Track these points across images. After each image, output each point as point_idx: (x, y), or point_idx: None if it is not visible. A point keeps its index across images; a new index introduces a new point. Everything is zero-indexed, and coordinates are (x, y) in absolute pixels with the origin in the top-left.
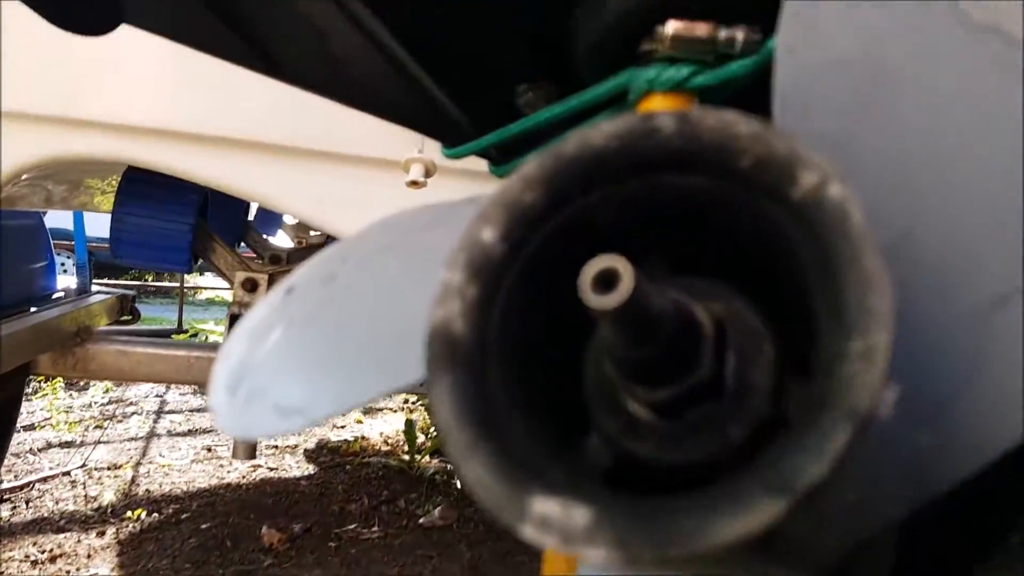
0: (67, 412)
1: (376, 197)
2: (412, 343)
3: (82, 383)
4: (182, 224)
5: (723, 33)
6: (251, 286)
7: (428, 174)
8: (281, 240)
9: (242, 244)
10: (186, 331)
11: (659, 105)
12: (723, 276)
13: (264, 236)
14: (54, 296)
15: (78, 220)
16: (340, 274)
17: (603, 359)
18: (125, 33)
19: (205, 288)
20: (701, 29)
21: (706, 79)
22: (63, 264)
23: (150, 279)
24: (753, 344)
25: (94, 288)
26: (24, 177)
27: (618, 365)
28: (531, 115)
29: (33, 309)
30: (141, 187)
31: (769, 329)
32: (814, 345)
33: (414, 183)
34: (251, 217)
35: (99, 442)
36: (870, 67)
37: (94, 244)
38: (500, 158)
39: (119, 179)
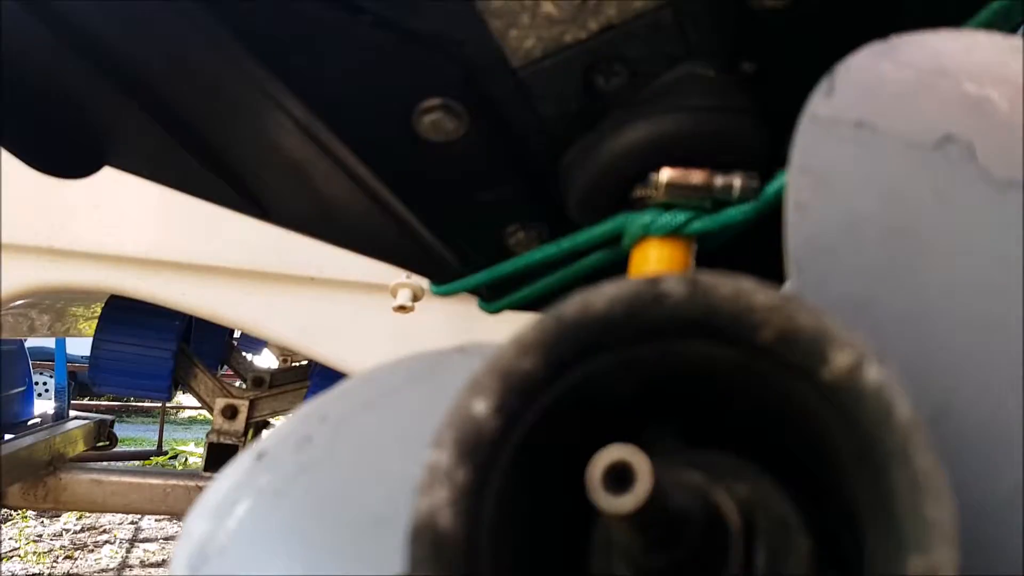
0: (36, 541)
1: (362, 322)
2: (394, 528)
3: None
4: (164, 351)
5: (719, 180)
6: (231, 413)
7: (416, 298)
8: (266, 359)
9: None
10: (166, 452)
11: (656, 250)
12: (746, 449)
13: (248, 356)
14: (30, 422)
15: (59, 344)
16: (316, 436)
17: (614, 555)
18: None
19: (186, 407)
20: (696, 177)
21: (704, 225)
22: (45, 383)
23: (131, 398)
24: (784, 536)
25: (72, 413)
26: (9, 307)
27: (633, 568)
28: (522, 255)
29: (8, 437)
30: (124, 313)
31: (801, 514)
32: (854, 538)
33: (402, 308)
34: (236, 337)
35: (69, 575)
36: (889, 225)
37: (77, 364)
38: (491, 295)
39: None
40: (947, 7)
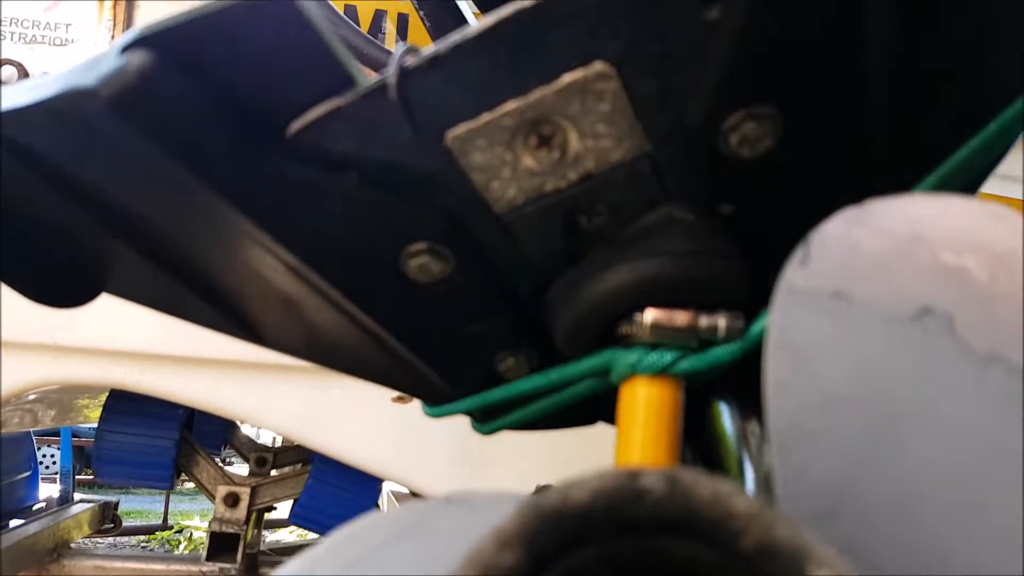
0: None
1: (362, 413)
2: None
3: None
4: (167, 440)
5: (704, 321)
6: (233, 501)
7: None
8: (269, 433)
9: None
10: (171, 527)
11: (644, 389)
12: None
13: (252, 432)
14: (35, 507)
15: (65, 428)
16: None
17: None
18: None
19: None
20: (681, 318)
21: (691, 365)
22: (52, 456)
23: None
24: None
25: (77, 496)
26: (12, 404)
27: None
28: (511, 384)
29: (13, 523)
30: (127, 403)
31: None
32: None
33: (400, 399)
34: None
35: None
36: (870, 402)
37: (85, 439)
38: (484, 416)
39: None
40: (916, 154)
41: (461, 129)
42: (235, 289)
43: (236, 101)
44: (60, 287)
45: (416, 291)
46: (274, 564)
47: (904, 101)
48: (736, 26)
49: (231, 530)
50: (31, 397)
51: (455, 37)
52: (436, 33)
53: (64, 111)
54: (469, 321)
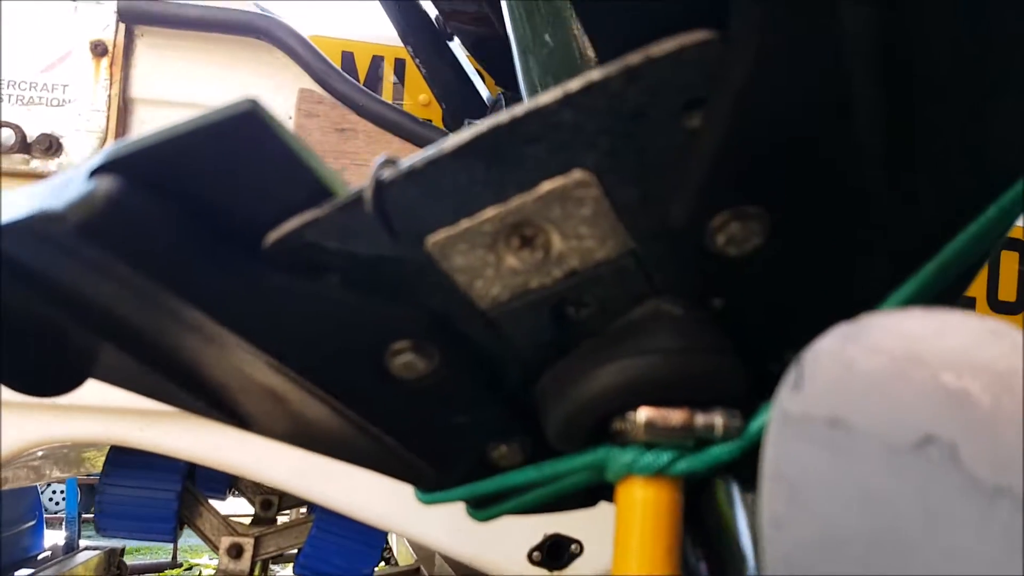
0: None
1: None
2: None
3: None
4: (168, 492)
5: (700, 419)
6: (236, 552)
7: None
8: None
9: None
10: (180, 565)
11: (641, 490)
12: None
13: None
14: (40, 556)
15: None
16: None
17: None
18: None
19: None
20: (676, 417)
21: (688, 465)
22: (62, 491)
23: None
24: None
25: (82, 543)
26: (16, 462)
27: None
28: (504, 475)
29: (18, 573)
30: (128, 455)
31: None
32: None
33: None
34: None
35: None
36: (872, 540)
37: (94, 478)
38: (479, 503)
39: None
40: (912, 244)
41: (441, 235)
42: (219, 382)
43: (208, 217)
44: (43, 378)
45: (401, 387)
46: None
47: (897, 193)
48: (718, 133)
49: None
50: (38, 453)
51: (431, 151)
52: (431, 80)
53: (36, 230)
54: (457, 413)
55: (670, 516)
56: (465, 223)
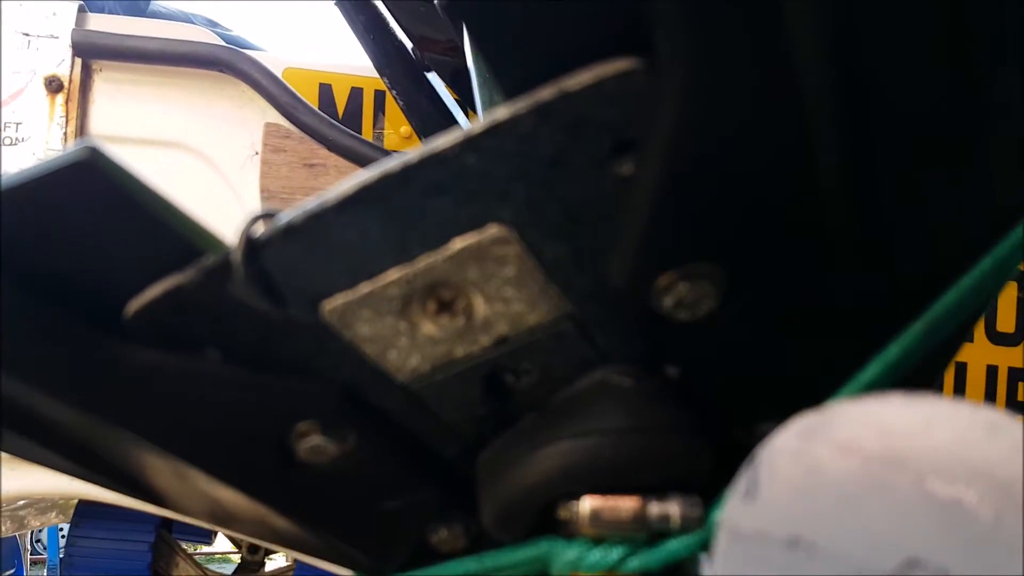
0: None
1: None
2: None
3: None
4: (141, 544)
5: (654, 509)
6: None
7: None
8: None
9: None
10: None
11: None
12: None
13: None
14: None
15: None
16: None
17: None
18: None
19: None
20: (626, 507)
21: (642, 563)
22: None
23: None
24: None
25: None
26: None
27: None
28: (442, 565)
29: None
30: (100, 506)
31: None
32: None
33: None
34: None
35: None
36: None
37: None
38: None
39: None
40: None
41: (338, 301)
42: (125, 463)
43: (52, 286)
44: None
45: (312, 473)
46: None
47: (869, 245)
48: (654, 180)
49: None
50: (20, 504)
51: (312, 204)
52: (409, 112)
53: None
54: (385, 498)
55: None
56: (365, 287)
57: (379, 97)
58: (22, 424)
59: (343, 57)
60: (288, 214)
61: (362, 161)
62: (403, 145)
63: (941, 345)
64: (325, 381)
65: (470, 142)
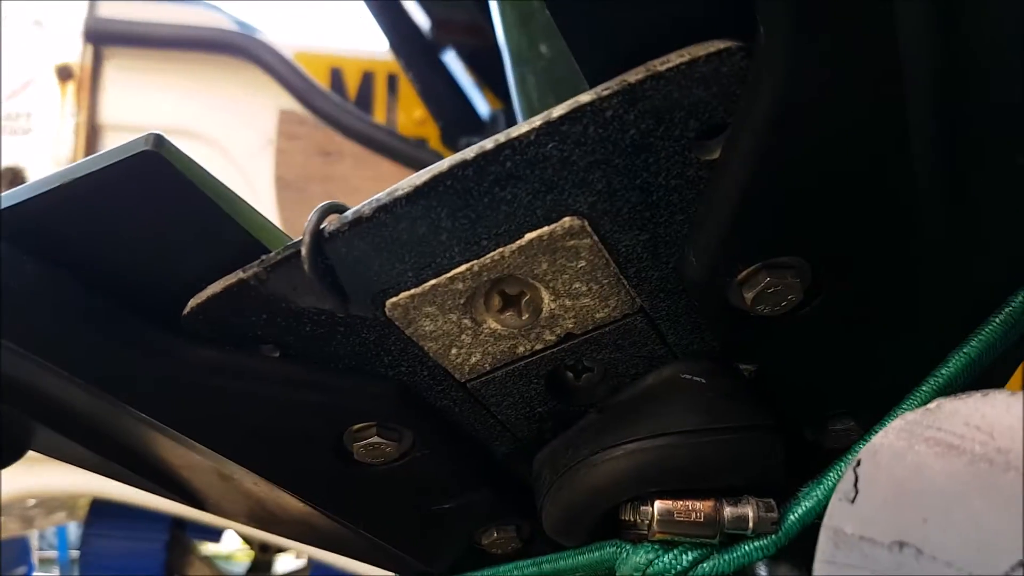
0: None
1: None
2: None
3: None
4: (155, 543)
5: (728, 511)
6: None
7: None
8: None
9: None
10: None
11: None
12: None
13: None
14: None
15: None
16: None
17: None
18: None
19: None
20: (699, 510)
21: (714, 568)
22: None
23: None
24: None
25: None
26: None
27: None
28: (497, 568)
29: None
30: (115, 504)
31: None
32: None
33: None
34: None
35: None
36: None
37: None
38: None
39: None
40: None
41: (403, 297)
42: (163, 462)
43: (109, 285)
44: None
45: (368, 474)
46: None
47: (958, 239)
48: (742, 167)
49: None
50: (30, 503)
51: (382, 196)
52: (425, 95)
53: None
54: (438, 499)
55: None
56: (431, 282)
57: (392, 81)
58: (61, 421)
59: (352, 42)
60: (355, 208)
61: (377, 147)
62: (416, 130)
63: (1020, 337)
64: (383, 380)
65: (550, 128)
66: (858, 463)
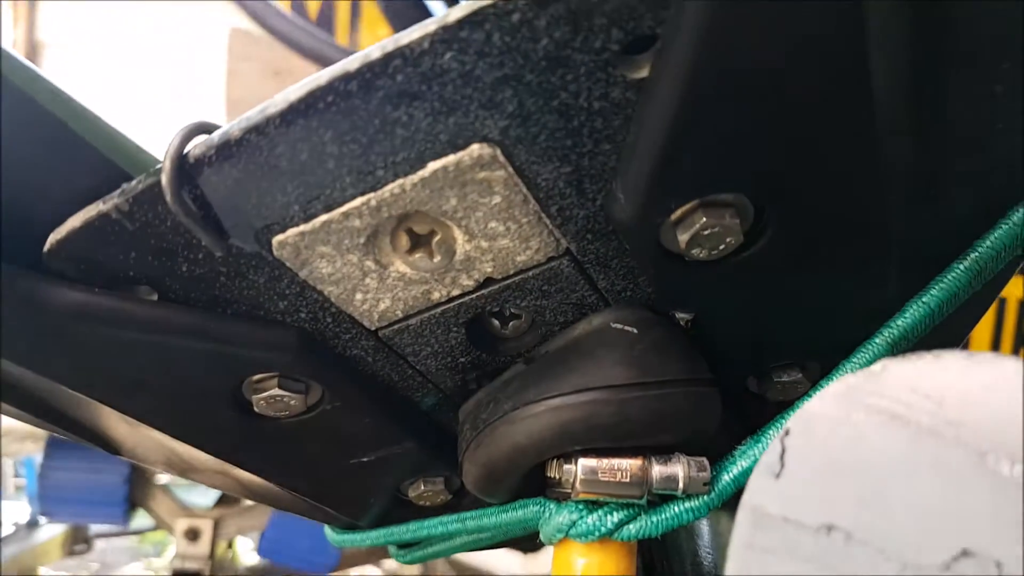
0: None
1: None
2: None
3: None
4: (116, 474)
5: (657, 470)
6: (193, 535)
7: None
8: None
9: None
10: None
11: (581, 555)
12: None
13: None
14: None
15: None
16: None
17: None
18: None
19: None
20: (625, 470)
21: (641, 529)
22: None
23: None
24: None
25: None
26: None
27: None
28: (422, 524)
29: None
30: None
31: None
32: None
33: None
34: None
35: None
36: None
37: None
38: (403, 546)
39: None
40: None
41: (290, 235)
42: (66, 408)
43: None
44: None
45: (274, 427)
46: None
47: (923, 174)
48: (675, 87)
49: (194, 567)
50: None
51: (252, 114)
52: (389, 13)
53: None
54: (355, 453)
55: None
56: (322, 217)
57: (354, 9)
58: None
59: None
60: (226, 127)
61: None
62: None
63: (985, 287)
64: (281, 327)
65: (447, 33)
66: (786, 433)
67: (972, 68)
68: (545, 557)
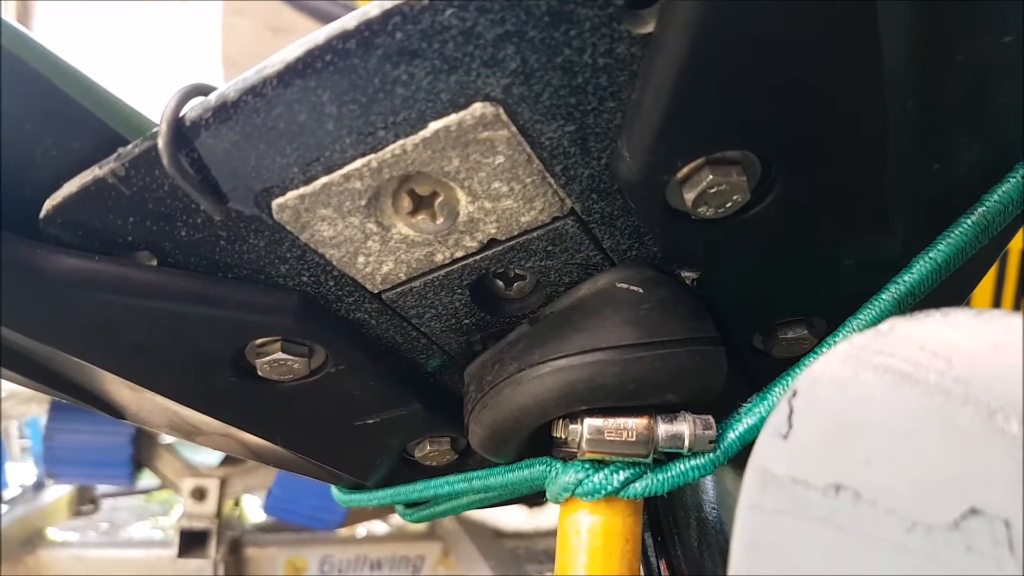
0: None
1: None
2: None
3: None
4: (121, 435)
5: (663, 429)
6: (200, 495)
7: None
8: None
9: None
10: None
11: (587, 515)
12: None
13: None
14: (5, 495)
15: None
16: None
17: None
18: None
19: None
20: (630, 428)
21: (647, 487)
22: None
23: None
24: None
25: (49, 482)
26: None
27: None
28: (428, 485)
29: None
30: None
31: None
32: None
33: None
34: None
35: None
36: None
37: None
38: (409, 505)
39: None
40: (942, 198)
41: (290, 197)
42: (70, 373)
43: None
44: None
45: (278, 391)
46: (262, 545)
47: (930, 129)
48: (681, 43)
49: (200, 526)
50: (2, 394)
51: (249, 75)
52: None
53: None
54: (360, 415)
55: (623, 545)
56: (322, 180)
57: None
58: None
59: None
60: (222, 89)
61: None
62: None
63: (992, 242)
64: (283, 291)
65: None
66: (794, 393)
67: (981, 16)
68: (551, 511)
